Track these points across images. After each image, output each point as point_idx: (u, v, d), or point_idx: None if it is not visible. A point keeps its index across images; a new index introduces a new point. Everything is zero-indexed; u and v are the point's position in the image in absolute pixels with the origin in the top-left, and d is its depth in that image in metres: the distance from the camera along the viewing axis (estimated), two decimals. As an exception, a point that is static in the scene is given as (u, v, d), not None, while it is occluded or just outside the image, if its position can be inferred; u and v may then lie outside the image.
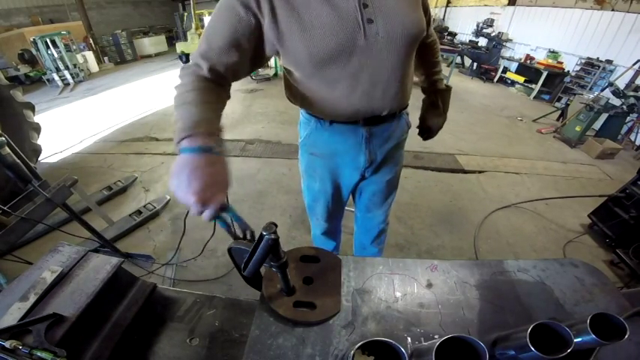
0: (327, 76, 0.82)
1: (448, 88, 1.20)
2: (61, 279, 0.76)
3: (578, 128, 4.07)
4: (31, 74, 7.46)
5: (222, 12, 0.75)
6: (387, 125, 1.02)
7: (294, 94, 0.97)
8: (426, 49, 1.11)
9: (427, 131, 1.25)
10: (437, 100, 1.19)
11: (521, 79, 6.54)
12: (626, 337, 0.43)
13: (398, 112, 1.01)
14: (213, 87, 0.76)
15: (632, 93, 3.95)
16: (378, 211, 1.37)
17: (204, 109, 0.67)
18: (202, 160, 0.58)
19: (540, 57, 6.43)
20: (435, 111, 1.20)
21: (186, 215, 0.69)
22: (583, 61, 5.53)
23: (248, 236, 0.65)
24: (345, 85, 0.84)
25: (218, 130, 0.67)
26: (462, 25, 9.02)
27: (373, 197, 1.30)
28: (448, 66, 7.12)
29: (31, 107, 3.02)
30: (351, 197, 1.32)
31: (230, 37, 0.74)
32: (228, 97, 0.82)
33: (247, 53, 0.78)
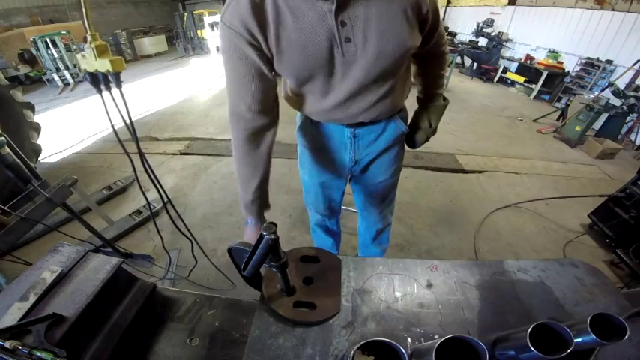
0: (310, 90, 0.88)
1: (444, 104, 1.16)
2: (61, 279, 0.76)
3: (578, 128, 4.07)
4: (31, 74, 7.46)
5: (232, 61, 0.78)
6: (373, 127, 1.02)
7: (288, 97, 1.01)
8: (432, 60, 1.06)
9: (411, 142, 1.21)
10: (428, 116, 1.15)
11: (521, 79, 6.54)
12: (626, 337, 0.43)
13: (386, 117, 1.00)
14: (258, 145, 0.91)
15: (632, 93, 3.95)
16: (374, 211, 1.38)
17: (256, 183, 0.97)
18: (250, 232, 1.02)
19: (540, 57, 6.43)
20: (424, 126, 1.16)
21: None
22: (583, 61, 5.53)
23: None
24: (323, 98, 0.88)
25: (265, 198, 1.03)
26: (462, 25, 9.01)
27: (368, 198, 1.32)
28: (448, 66, 7.11)
29: (31, 107, 3.02)
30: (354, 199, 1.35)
31: (251, 85, 0.80)
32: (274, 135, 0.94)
33: (269, 84, 0.84)
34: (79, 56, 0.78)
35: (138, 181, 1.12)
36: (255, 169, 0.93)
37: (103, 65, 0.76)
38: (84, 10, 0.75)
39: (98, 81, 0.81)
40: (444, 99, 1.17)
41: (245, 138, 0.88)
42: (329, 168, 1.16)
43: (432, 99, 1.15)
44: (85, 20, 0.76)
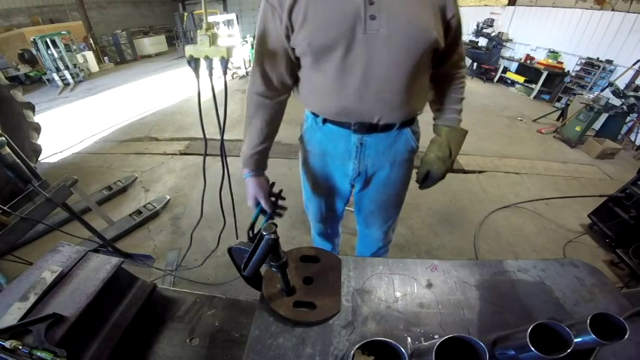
0: (324, 67, 0.85)
1: (463, 130, 1.05)
2: (61, 279, 0.76)
3: (578, 128, 4.07)
4: (31, 74, 7.46)
5: (260, 29, 0.85)
6: (382, 136, 0.96)
7: (298, 87, 0.99)
8: (451, 83, 1.01)
9: (426, 176, 1.05)
10: (448, 144, 1.01)
11: (521, 79, 6.54)
12: (626, 337, 0.43)
13: (399, 125, 0.95)
14: (270, 107, 0.97)
15: (632, 93, 3.95)
16: (376, 230, 1.33)
17: (258, 142, 1.04)
18: (248, 182, 1.08)
19: (540, 57, 6.43)
20: (440, 152, 1.01)
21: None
22: (583, 61, 5.53)
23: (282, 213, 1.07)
24: (338, 79, 0.84)
25: (263, 157, 1.07)
26: (462, 24, 9.00)
27: (370, 215, 1.27)
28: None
29: (31, 107, 3.02)
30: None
31: (272, 49, 0.86)
32: (283, 107, 1.01)
33: (287, 57, 0.88)
34: (188, 47, 0.84)
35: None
36: (259, 131, 1.02)
37: (218, 51, 0.82)
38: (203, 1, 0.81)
39: (199, 66, 0.87)
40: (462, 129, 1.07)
41: (258, 103, 0.96)
42: (332, 175, 1.12)
43: (450, 122, 1.04)
44: (203, 8, 0.83)
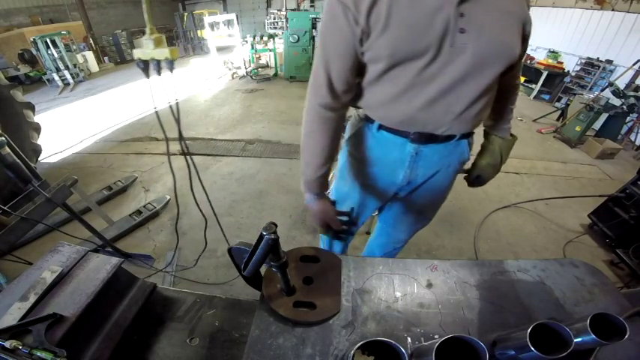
0: (397, 76, 0.80)
1: (513, 138, 1.10)
2: (61, 279, 0.76)
3: (578, 128, 4.07)
4: (31, 74, 7.46)
5: (327, 31, 0.79)
6: (441, 147, 0.92)
7: (357, 92, 0.93)
8: (507, 92, 1.01)
9: (476, 179, 1.14)
10: (500, 150, 1.07)
11: (521, 79, 6.54)
12: (626, 337, 0.43)
13: (459, 137, 0.92)
14: (335, 121, 0.89)
15: (632, 93, 3.95)
16: (400, 230, 1.30)
17: (323, 161, 0.93)
18: (315, 206, 0.99)
19: (540, 57, 6.43)
20: (492, 160, 1.08)
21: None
22: (583, 61, 5.54)
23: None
24: (411, 89, 0.81)
25: (327, 178, 0.97)
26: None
27: (401, 216, 1.23)
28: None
29: (31, 107, 3.02)
30: None
31: (341, 53, 0.80)
32: (344, 121, 0.95)
33: (356, 62, 0.82)
34: (136, 50, 0.92)
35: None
36: (323, 149, 0.92)
37: (162, 53, 0.87)
38: (144, 5, 0.85)
39: (148, 68, 0.94)
40: (512, 135, 1.10)
41: (322, 116, 0.88)
42: (376, 183, 1.06)
43: (502, 131, 1.08)
44: (145, 15, 0.87)
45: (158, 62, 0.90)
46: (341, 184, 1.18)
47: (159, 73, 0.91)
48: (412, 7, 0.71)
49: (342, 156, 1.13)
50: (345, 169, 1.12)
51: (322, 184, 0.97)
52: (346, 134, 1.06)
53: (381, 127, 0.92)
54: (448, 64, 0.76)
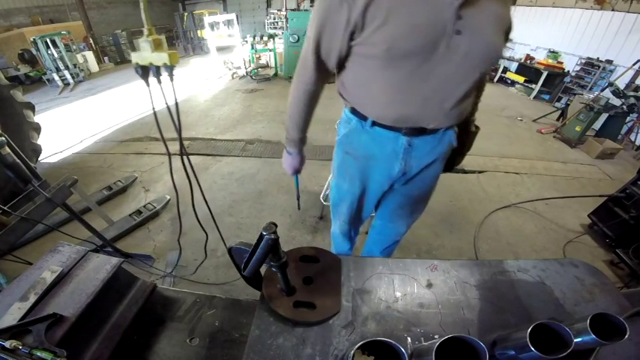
0: (393, 73, 0.83)
1: (476, 130, 1.20)
2: (61, 279, 0.76)
3: (578, 128, 4.07)
4: (31, 74, 7.45)
5: (321, 11, 0.82)
6: (430, 138, 0.98)
7: (348, 88, 0.98)
8: (478, 89, 1.07)
9: (448, 166, 1.23)
10: (463, 140, 1.17)
11: (521, 79, 6.54)
12: (626, 337, 0.43)
13: (446, 128, 0.98)
14: (316, 95, 1.02)
15: (632, 93, 3.95)
16: (400, 223, 1.35)
17: (300, 127, 1.10)
18: (289, 158, 1.22)
19: (540, 57, 6.43)
20: (458, 150, 1.17)
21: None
22: (583, 61, 5.54)
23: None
24: (407, 87, 0.85)
25: (302, 141, 1.16)
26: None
27: (398, 209, 1.28)
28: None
29: (31, 107, 3.02)
30: None
31: (330, 39, 0.85)
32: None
33: (341, 51, 0.87)
34: (134, 54, 0.80)
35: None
36: (306, 117, 1.08)
37: (160, 58, 0.78)
38: (142, 4, 0.76)
39: (148, 74, 0.83)
40: (476, 126, 1.20)
41: (307, 91, 0.99)
42: (373, 178, 1.12)
43: (467, 124, 1.16)
44: (143, 15, 0.77)
45: (157, 68, 0.81)
46: (340, 182, 1.23)
47: (158, 80, 0.83)
48: (415, 6, 0.74)
49: (336, 155, 1.19)
50: (343, 168, 1.17)
51: (303, 142, 1.16)
52: (340, 133, 1.11)
53: (374, 123, 0.96)
54: (441, 64, 0.80)
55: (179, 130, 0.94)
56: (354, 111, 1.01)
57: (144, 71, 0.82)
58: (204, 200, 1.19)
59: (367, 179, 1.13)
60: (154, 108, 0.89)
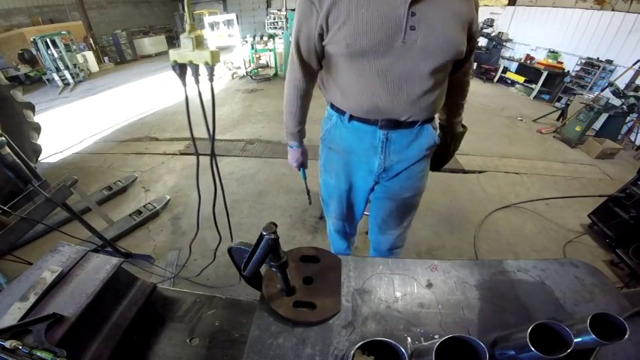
0: (358, 68, 0.91)
1: (463, 131, 1.25)
2: (61, 279, 0.76)
3: (578, 128, 4.07)
4: (31, 74, 7.46)
5: (298, 16, 0.93)
6: (406, 132, 1.02)
7: (326, 84, 1.08)
8: (457, 88, 1.12)
9: (434, 165, 1.29)
10: (449, 141, 1.25)
11: (521, 79, 6.54)
12: (626, 337, 0.43)
13: (422, 121, 1.01)
14: (308, 90, 1.09)
15: (632, 93, 3.95)
16: (392, 233, 1.37)
17: (297, 120, 1.16)
18: (291, 152, 1.27)
19: (540, 57, 6.43)
20: (444, 149, 1.24)
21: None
22: (583, 61, 5.54)
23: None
24: (372, 80, 0.91)
25: (300, 133, 1.21)
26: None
27: (388, 218, 1.30)
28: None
29: (31, 107, 3.02)
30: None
31: (308, 41, 0.94)
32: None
33: (317, 50, 0.97)
34: (172, 51, 0.74)
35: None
36: (300, 111, 1.14)
37: (201, 57, 0.73)
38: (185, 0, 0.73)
39: (185, 72, 0.78)
40: (463, 126, 1.26)
41: (299, 87, 1.07)
42: (356, 172, 1.16)
43: (453, 126, 1.23)
44: (186, 10, 0.73)
45: (196, 67, 0.75)
46: (327, 178, 1.28)
47: (196, 79, 0.78)
48: (371, 6, 0.81)
49: (321, 152, 1.25)
50: (328, 163, 1.22)
51: (302, 134, 1.21)
52: (322, 130, 1.17)
53: (351, 117, 1.03)
54: (400, 57, 0.86)
55: (212, 136, 0.97)
56: (333, 107, 1.08)
57: (181, 70, 0.77)
58: (224, 207, 1.17)
59: (351, 174, 1.18)
60: (187, 110, 0.86)
